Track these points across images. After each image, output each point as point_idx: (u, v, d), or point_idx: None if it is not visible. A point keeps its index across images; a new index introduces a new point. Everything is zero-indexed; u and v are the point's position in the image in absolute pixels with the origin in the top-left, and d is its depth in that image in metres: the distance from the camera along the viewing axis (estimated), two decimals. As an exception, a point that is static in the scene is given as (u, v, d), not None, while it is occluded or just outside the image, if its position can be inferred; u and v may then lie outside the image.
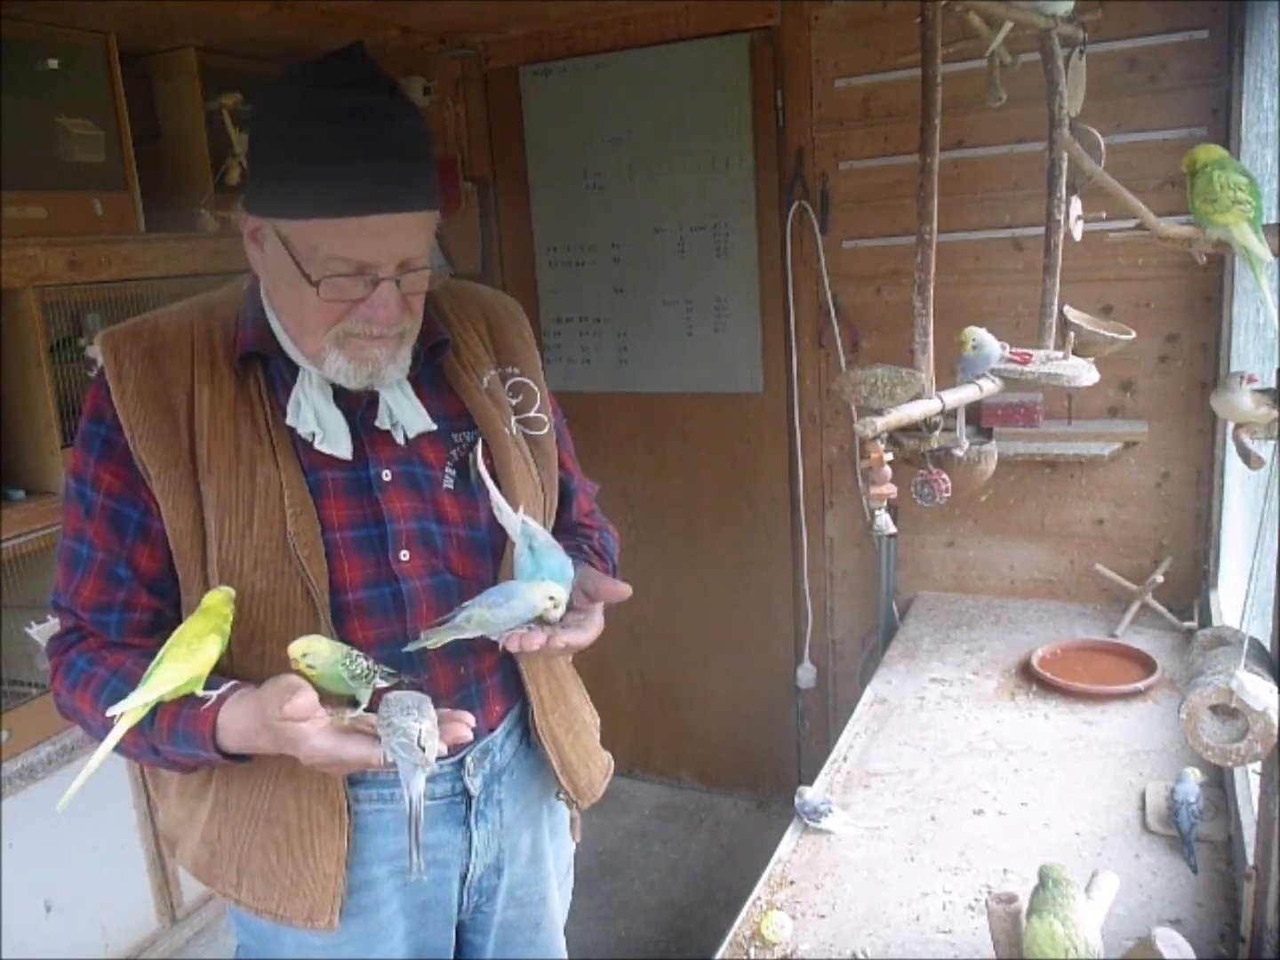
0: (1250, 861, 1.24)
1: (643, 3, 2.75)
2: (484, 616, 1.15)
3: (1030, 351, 1.45)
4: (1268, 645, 1.21)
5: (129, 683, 1.12)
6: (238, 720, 1.10)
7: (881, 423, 1.24)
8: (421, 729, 1.05)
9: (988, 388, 1.38)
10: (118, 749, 1.13)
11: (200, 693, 1.11)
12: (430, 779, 1.24)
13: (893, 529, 1.34)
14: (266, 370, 1.21)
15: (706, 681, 3.21)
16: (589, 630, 1.21)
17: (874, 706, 2.14)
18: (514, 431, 1.30)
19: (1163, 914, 1.44)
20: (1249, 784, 1.60)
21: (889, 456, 1.28)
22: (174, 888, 2.51)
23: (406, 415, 1.23)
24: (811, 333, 2.84)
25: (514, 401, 1.33)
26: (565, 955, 1.53)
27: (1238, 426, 1.20)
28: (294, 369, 1.20)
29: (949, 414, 1.41)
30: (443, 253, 3.00)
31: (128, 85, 2.39)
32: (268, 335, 1.20)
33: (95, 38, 2.31)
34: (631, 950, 2.65)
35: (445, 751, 1.08)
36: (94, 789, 2.40)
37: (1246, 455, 1.21)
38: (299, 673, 1.08)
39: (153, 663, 1.10)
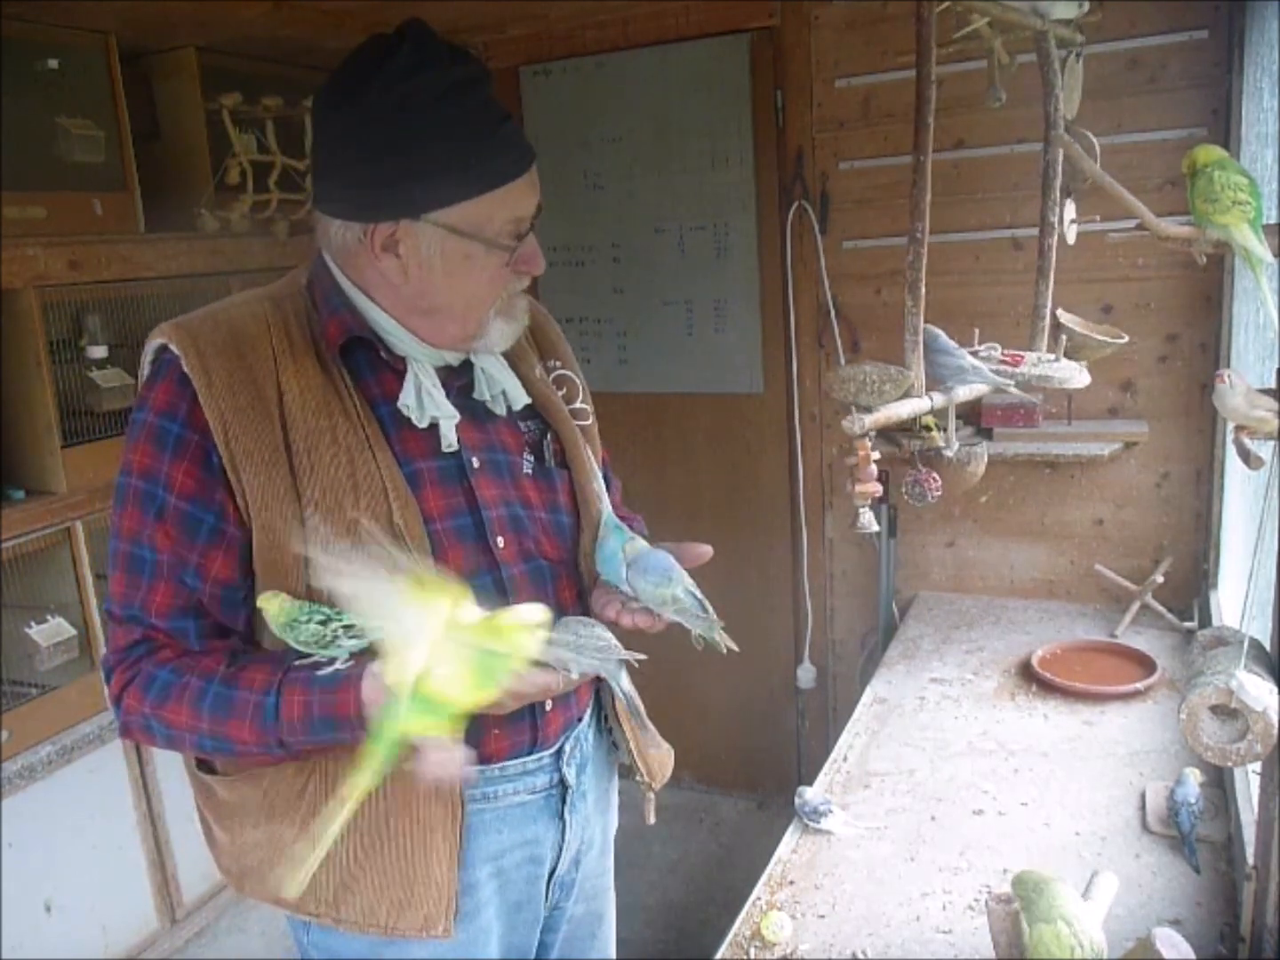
0: (1250, 861, 1.24)
1: (643, 3, 2.75)
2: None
3: (1022, 353, 1.46)
4: (1268, 645, 1.21)
5: (231, 687, 1.08)
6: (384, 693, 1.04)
7: (869, 420, 1.24)
8: (608, 635, 1.14)
9: (978, 388, 1.38)
10: (229, 753, 1.12)
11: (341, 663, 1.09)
12: (530, 772, 1.26)
13: (876, 526, 1.35)
14: (349, 361, 1.17)
15: (706, 681, 3.20)
16: None
17: (874, 706, 2.14)
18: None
19: (1162, 914, 1.44)
20: (1249, 784, 1.60)
21: (876, 455, 1.29)
22: (174, 888, 2.51)
23: (509, 385, 1.24)
24: (811, 333, 2.84)
25: (560, 394, 1.35)
26: (615, 950, 1.52)
27: (1238, 427, 1.21)
28: (381, 361, 1.18)
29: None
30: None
31: (128, 85, 2.39)
32: (365, 324, 1.17)
33: (95, 38, 2.31)
34: (631, 950, 2.64)
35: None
36: (94, 789, 2.40)
37: (1246, 456, 1.21)
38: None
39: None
